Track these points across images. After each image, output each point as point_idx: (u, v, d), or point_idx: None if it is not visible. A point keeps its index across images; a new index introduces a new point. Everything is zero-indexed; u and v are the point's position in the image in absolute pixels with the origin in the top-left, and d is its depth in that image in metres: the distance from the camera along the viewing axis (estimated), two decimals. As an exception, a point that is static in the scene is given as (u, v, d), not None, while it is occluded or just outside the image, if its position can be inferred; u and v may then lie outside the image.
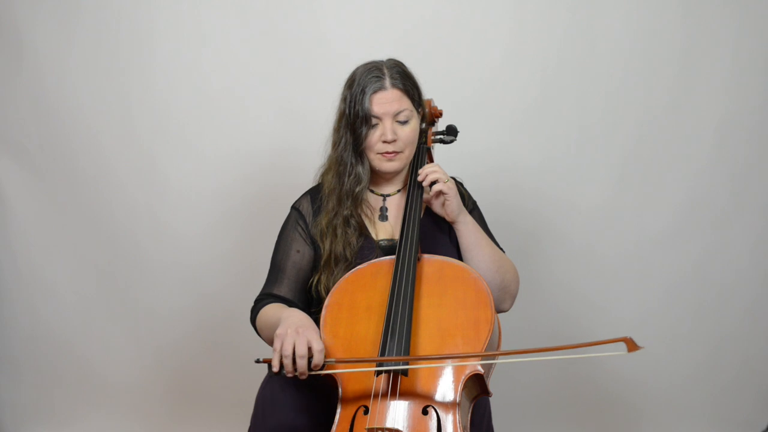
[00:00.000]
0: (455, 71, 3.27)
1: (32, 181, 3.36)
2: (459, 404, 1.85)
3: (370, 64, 2.18)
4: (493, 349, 1.98)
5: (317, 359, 1.86)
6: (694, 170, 3.31)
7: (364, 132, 2.14)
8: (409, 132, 2.16)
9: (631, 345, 1.73)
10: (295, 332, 1.88)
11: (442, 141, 2.32)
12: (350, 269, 2.12)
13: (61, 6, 3.27)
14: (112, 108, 3.32)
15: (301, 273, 2.23)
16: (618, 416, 3.36)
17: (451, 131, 2.31)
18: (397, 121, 2.15)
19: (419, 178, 2.16)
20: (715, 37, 3.25)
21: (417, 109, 2.20)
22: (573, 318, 3.36)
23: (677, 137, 3.30)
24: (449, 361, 1.90)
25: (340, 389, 1.92)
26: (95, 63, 3.30)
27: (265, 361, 1.92)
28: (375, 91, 2.12)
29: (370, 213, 2.25)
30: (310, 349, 1.87)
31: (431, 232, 2.22)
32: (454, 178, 2.30)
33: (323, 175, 2.30)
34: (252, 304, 2.24)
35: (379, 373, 1.89)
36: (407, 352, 1.88)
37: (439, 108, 2.32)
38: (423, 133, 2.27)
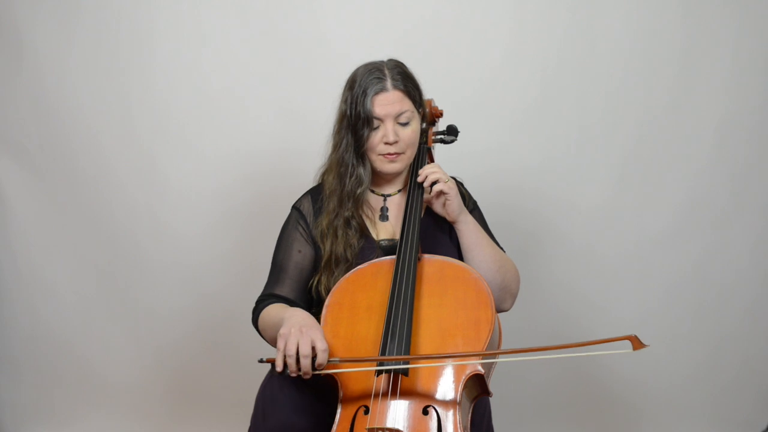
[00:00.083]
0: (455, 71, 3.27)
1: (32, 181, 3.36)
2: (459, 404, 1.85)
3: (371, 65, 2.18)
4: (493, 349, 1.98)
5: (321, 359, 1.86)
6: (694, 170, 3.31)
7: (365, 134, 2.14)
8: (410, 133, 2.16)
9: (636, 343, 1.73)
10: (299, 331, 1.88)
11: (442, 141, 2.32)
12: (351, 270, 2.12)
13: (61, 6, 3.27)
14: (112, 108, 3.32)
15: (303, 273, 2.22)
16: (618, 416, 3.36)
17: (452, 131, 2.31)
18: (399, 123, 2.14)
19: (419, 179, 2.16)
20: (715, 37, 3.25)
21: (418, 110, 2.19)
22: (573, 318, 3.36)
23: (677, 137, 3.30)
24: (450, 360, 1.89)
25: (340, 389, 1.92)
26: (95, 63, 3.30)
27: (268, 361, 1.91)
28: (376, 93, 2.12)
29: (371, 213, 2.25)
30: (313, 348, 1.87)
31: (432, 232, 2.21)
32: (454, 178, 2.29)
33: (323, 174, 2.30)
34: (253, 304, 2.23)
35: (379, 372, 1.88)
36: (407, 352, 1.88)
37: (439, 108, 2.32)
38: (423, 133, 2.26)
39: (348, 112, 2.15)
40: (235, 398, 3.28)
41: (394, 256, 2.08)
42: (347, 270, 2.13)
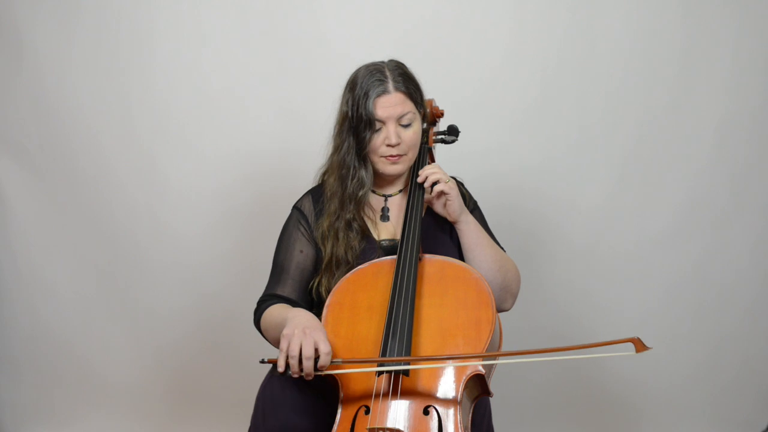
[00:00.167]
0: (455, 71, 3.27)
1: (32, 181, 3.36)
2: (460, 404, 1.85)
3: (372, 66, 2.17)
4: (494, 349, 1.98)
5: (323, 362, 1.85)
6: (694, 170, 3.31)
7: (367, 136, 2.13)
8: (412, 135, 2.15)
9: (640, 345, 1.73)
10: (302, 333, 1.87)
11: (443, 141, 2.32)
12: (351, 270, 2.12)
13: (61, 6, 3.27)
14: (112, 108, 3.32)
15: (305, 273, 2.22)
16: (618, 416, 3.36)
17: (453, 131, 2.31)
18: (401, 124, 2.14)
19: (419, 180, 2.15)
20: (715, 37, 3.25)
21: (419, 111, 2.19)
22: (573, 318, 3.36)
23: (677, 137, 3.30)
24: (451, 361, 1.89)
25: (341, 389, 1.92)
26: (95, 63, 3.30)
27: (270, 362, 1.91)
28: (378, 95, 2.11)
29: (372, 213, 2.25)
30: (316, 350, 1.86)
31: (433, 232, 2.21)
32: (454, 178, 2.29)
33: (323, 175, 2.30)
34: (253, 304, 2.23)
35: (380, 373, 1.88)
36: (408, 352, 1.88)
37: (440, 108, 2.32)
38: (424, 133, 2.26)
39: (349, 114, 2.14)
40: (235, 398, 3.28)
41: (394, 256, 2.08)
42: (348, 272, 2.13)
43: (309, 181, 2.35)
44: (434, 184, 2.13)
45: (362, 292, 2.04)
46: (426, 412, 1.86)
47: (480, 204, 2.35)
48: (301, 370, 1.87)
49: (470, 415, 1.94)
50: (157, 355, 3.42)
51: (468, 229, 2.17)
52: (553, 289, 3.35)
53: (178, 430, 3.38)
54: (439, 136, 2.32)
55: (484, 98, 3.29)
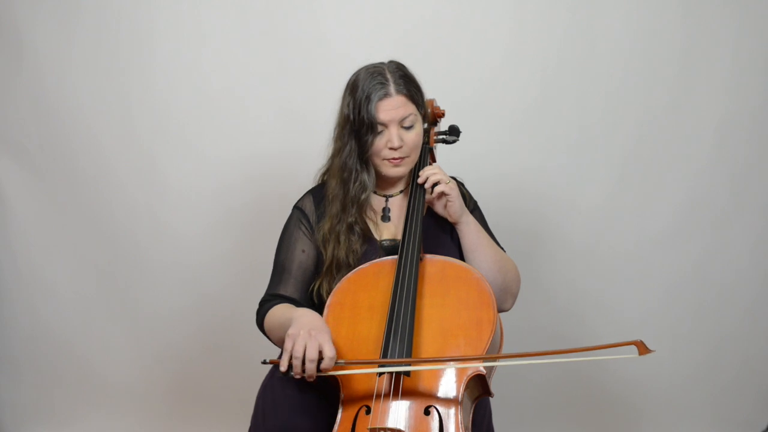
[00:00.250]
0: (455, 71, 3.27)
1: (32, 181, 3.36)
2: (461, 404, 1.85)
3: (372, 69, 2.16)
4: (495, 349, 1.98)
5: (327, 365, 1.84)
6: (694, 170, 3.31)
7: (369, 139, 2.12)
8: (414, 136, 2.15)
9: (642, 348, 1.73)
10: (307, 334, 1.86)
11: (444, 141, 2.32)
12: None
13: (61, 6, 3.27)
14: (112, 108, 3.32)
15: (307, 273, 2.21)
16: (618, 416, 3.36)
17: (454, 131, 2.31)
18: (403, 127, 2.13)
19: (419, 180, 2.15)
20: (715, 37, 3.25)
21: (420, 112, 2.18)
22: (573, 318, 3.36)
23: (677, 137, 3.30)
24: (453, 363, 1.89)
25: (342, 389, 1.91)
26: (95, 63, 3.30)
27: (272, 363, 1.91)
28: (380, 99, 2.10)
29: (373, 214, 2.24)
30: (320, 352, 1.85)
31: (433, 233, 2.21)
32: (454, 178, 2.29)
33: (323, 175, 2.30)
34: (253, 304, 2.22)
35: (381, 373, 1.88)
36: (409, 352, 1.88)
37: (441, 108, 2.32)
38: (425, 133, 2.26)
39: (351, 117, 2.14)
40: (235, 398, 3.28)
41: (395, 256, 2.08)
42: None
43: (309, 181, 2.35)
44: (435, 185, 2.13)
45: (363, 292, 2.04)
46: (427, 412, 1.85)
47: (480, 204, 2.35)
48: (304, 371, 1.86)
49: (471, 416, 1.94)
50: (157, 355, 3.42)
51: (468, 230, 2.17)
52: (553, 289, 3.35)
53: (179, 430, 3.38)
54: (441, 137, 2.32)
55: (484, 98, 3.29)
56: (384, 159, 2.15)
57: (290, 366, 1.86)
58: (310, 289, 2.21)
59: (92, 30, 3.29)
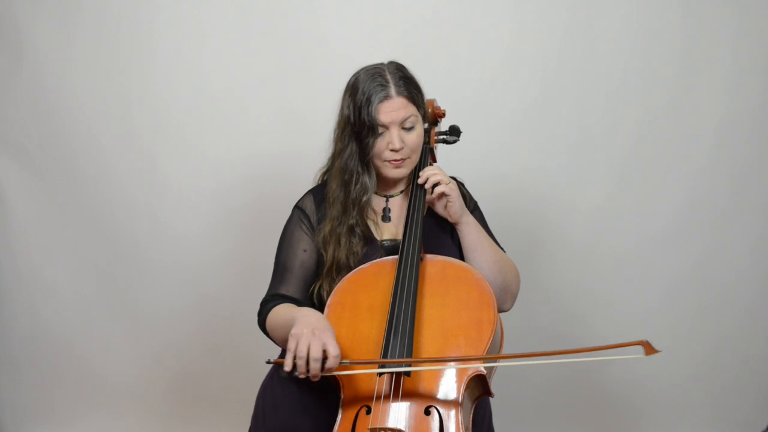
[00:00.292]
0: (455, 71, 3.27)
1: (32, 181, 3.36)
2: (461, 404, 1.85)
3: (372, 70, 2.15)
4: (495, 350, 1.98)
5: (332, 364, 1.83)
6: (694, 170, 3.31)
7: (370, 141, 2.12)
8: (415, 138, 2.14)
9: (649, 348, 1.72)
10: (311, 333, 1.85)
11: (445, 141, 2.31)
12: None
13: (61, 6, 3.27)
14: (112, 108, 3.32)
15: (309, 273, 2.20)
16: (618, 416, 3.36)
17: (454, 131, 2.31)
18: (403, 128, 2.12)
19: (420, 181, 2.15)
20: (715, 37, 3.25)
21: (420, 113, 2.18)
22: (574, 318, 3.36)
23: (677, 137, 3.30)
24: (459, 363, 1.89)
25: (342, 389, 1.91)
26: (95, 63, 3.30)
27: (276, 363, 1.89)
28: (381, 101, 2.09)
29: (373, 215, 2.24)
30: (324, 352, 1.84)
31: (434, 233, 2.21)
32: (454, 178, 2.29)
33: (323, 175, 2.29)
34: (253, 304, 2.21)
35: (381, 373, 1.88)
36: (410, 352, 1.88)
37: (442, 108, 2.31)
38: (426, 133, 2.25)
39: (351, 119, 2.13)
40: (235, 398, 3.28)
41: (396, 256, 2.07)
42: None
43: (309, 181, 2.34)
44: (435, 185, 2.13)
45: (363, 292, 2.03)
46: (427, 412, 1.85)
47: (480, 204, 2.35)
48: (308, 371, 1.85)
49: (471, 416, 1.94)
50: (157, 355, 3.42)
51: (468, 230, 2.17)
52: (553, 289, 3.35)
53: (179, 430, 3.38)
54: (441, 137, 2.32)
55: (484, 98, 3.29)
56: (385, 161, 2.15)
57: (294, 366, 1.85)
58: (310, 291, 2.19)
59: (92, 30, 3.29)
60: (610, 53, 3.27)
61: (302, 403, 2.11)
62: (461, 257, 2.19)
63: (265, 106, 3.32)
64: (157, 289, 3.40)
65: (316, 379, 1.86)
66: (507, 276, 2.19)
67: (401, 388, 1.86)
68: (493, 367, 2.01)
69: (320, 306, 2.14)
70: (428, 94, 2.25)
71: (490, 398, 2.05)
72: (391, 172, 2.16)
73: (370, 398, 1.87)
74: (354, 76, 2.18)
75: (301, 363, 1.83)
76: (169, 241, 3.38)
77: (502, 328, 2.05)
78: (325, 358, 1.84)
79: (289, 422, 2.09)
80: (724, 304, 3.35)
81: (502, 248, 2.26)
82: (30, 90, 3.31)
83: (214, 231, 3.37)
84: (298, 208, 2.26)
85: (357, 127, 2.12)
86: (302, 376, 1.85)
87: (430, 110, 2.27)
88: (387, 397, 1.86)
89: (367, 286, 2.04)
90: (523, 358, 1.88)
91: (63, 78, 3.30)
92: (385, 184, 2.25)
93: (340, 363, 1.85)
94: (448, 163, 2.33)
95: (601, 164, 3.32)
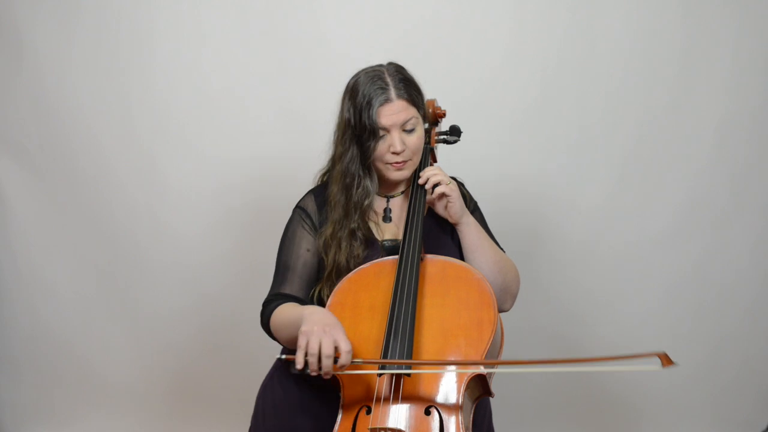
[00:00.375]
0: (455, 71, 3.27)
1: (32, 181, 3.37)
2: (461, 405, 1.85)
3: (372, 73, 2.14)
4: (495, 350, 1.98)
5: (344, 360, 1.81)
6: (694, 170, 3.32)
7: (372, 145, 2.11)
8: (416, 139, 2.13)
9: (666, 360, 1.68)
10: (321, 330, 1.83)
11: (445, 141, 2.31)
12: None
13: (61, 6, 3.27)
14: (112, 108, 3.32)
15: (311, 272, 2.18)
16: (618, 416, 3.36)
17: (455, 131, 2.31)
18: (404, 130, 2.11)
19: (420, 181, 2.15)
20: (715, 37, 3.25)
21: (421, 114, 2.17)
22: (573, 318, 3.36)
23: (677, 137, 3.30)
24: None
25: (342, 389, 1.91)
26: (95, 63, 3.30)
27: (288, 359, 1.86)
28: (381, 104, 2.08)
29: (374, 215, 2.23)
30: (336, 348, 1.82)
31: (434, 233, 2.20)
32: (454, 179, 2.29)
33: (323, 176, 2.29)
34: (254, 304, 2.21)
35: (381, 374, 1.88)
36: (410, 352, 1.88)
37: (442, 108, 2.31)
38: (426, 133, 2.25)
39: (352, 122, 2.11)
40: (235, 398, 3.28)
41: (396, 256, 2.07)
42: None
43: (309, 181, 2.34)
44: (435, 185, 2.12)
45: (364, 292, 2.03)
46: (427, 412, 1.85)
47: (480, 204, 2.35)
48: (320, 368, 1.83)
49: (471, 416, 1.94)
50: (157, 355, 3.43)
51: (469, 231, 2.17)
52: (553, 289, 3.35)
53: (179, 430, 3.38)
54: (441, 137, 2.31)
55: (484, 98, 3.29)
56: (387, 163, 2.14)
57: (306, 363, 1.82)
58: (311, 294, 2.18)
59: (92, 30, 3.29)
60: (610, 53, 3.27)
61: (302, 403, 2.11)
62: (461, 257, 2.18)
63: (265, 106, 3.32)
64: (157, 289, 3.40)
65: (328, 377, 1.84)
66: (507, 276, 2.18)
67: (401, 388, 1.86)
68: (492, 368, 2.01)
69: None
70: (428, 94, 2.25)
71: (490, 398, 2.05)
72: (393, 174, 2.15)
73: (371, 398, 1.87)
74: (353, 78, 2.17)
75: (313, 360, 1.81)
76: (169, 241, 3.38)
77: (502, 329, 2.05)
78: (337, 356, 1.82)
79: (289, 422, 2.10)
80: (724, 304, 3.35)
81: (502, 248, 2.26)
82: (30, 90, 3.31)
83: (214, 231, 3.37)
84: (299, 207, 2.24)
85: (358, 131, 2.11)
86: (314, 374, 1.83)
87: (430, 110, 2.27)
88: (387, 397, 1.86)
89: (368, 286, 2.04)
90: (536, 365, 1.86)
91: (63, 78, 3.30)
92: (386, 185, 2.24)
93: (352, 362, 1.83)
94: (448, 164, 2.33)
95: (601, 164, 3.32)
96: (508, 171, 3.31)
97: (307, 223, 2.20)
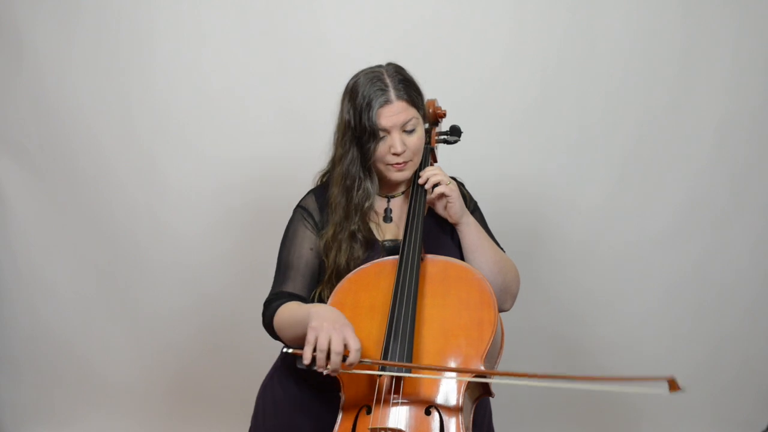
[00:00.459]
0: (455, 71, 3.27)
1: (32, 181, 3.36)
2: (462, 405, 1.85)
3: (371, 74, 2.13)
4: (496, 350, 1.98)
5: (354, 358, 1.80)
6: (694, 170, 3.32)
7: (372, 146, 2.10)
8: (416, 140, 2.12)
9: (674, 385, 1.68)
10: (332, 327, 1.81)
11: (446, 141, 2.31)
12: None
13: (61, 6, 3.27)
14: (112, 108, 3.32)
15: (313, 272, 2.17)
16: (618, 416, 3.36)
17: (455, 131, 2.30)
18: (404, 131, 2.10)
19: (420, 181, 2.14)
20: (715, 37, 3.25)
21: (421, 114, 2.16)
22: (573, 318, 3.36)
23: (677, 137, 3.30)
24: (456, 364, 1.89)
25: (343, 389, 1.91)
26: (95, 63, 3.30)
27: (294, 353, 1.84)
28: (381, 106, 2.07)
29: (375, 215, 2.23)
30: (345, 346, 1.81)
31: (434, 233, 2.20)
32: (454, 179, 2.29)
33: (322, 177, 2.28)
34: (254, 304, 2.20)
35: (382, 374, 1.88)
36: (410, 352, 1.87)
37: (443, 108, 2.31)
38: (427, 134, 2.25)
39: (352, 123, 2.11)
40: (235, 398, 3.28)
41: (397, 257, 2.06)
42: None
43: (309, 182, 2.33)
44: (435, 185, 2.12)
45: (364, 291, 2.02)
46: (428, 412, 1.85)
47: (480, 204, 2.34)
48: (326, 365, 1.81)
49: (472, 416, 1.94)
50: (157, 355, 3.43)
51: (468, 231, 2.16)
52: (553, 289, 3.35)
53: (178, 430, 3.38)
54: (442, 137, 2.31)
55: (484, 98, 3.29)
56: (388, 164, 2.13)
57: (313, 360, 1.81)
58: (311, 295, 2.16)
59: (92, 30, 3.29)
60: (610, 53, 3.27)
61: (302, 403, 2.11)
62: (461, 257, 2.18)
63: (265, 106, 3.32)
64: (157, 289, 3.40)
65: (335, 374, 1.84)
66: (507, 276, 2.18)
67: (402, 388, 1.86)
68: (493, 367, 2.01)
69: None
70: (428, 94, 2.24)
71: (491, 398, 2.05)
72: (394, 175, 2.15)
73: (371, 398, 1.87)
74: (353, 79, 2.16)
75: (321, 356, 1.79)
76: (169, 241, 3.38)
77: (502, 329, 2.05)
78: (345, 354, 1.81)
79: (289, 422, 2.09)
80: (724, 304, 3.35)
81: (502, 248, 2.26)
82: (30, 90, 3.31)
83: (214, 231, 3.37)
84: (301, 207, 2.23)
85: (358, 132, 2.10)
86: (320, 370, 1.82)
87: (431, 110, 2.26)
88: (387, 397, 1.86)
89: (368, 286, 2.03)
90: (540, 379, 1.84)
91: (63, 78, 3.30)
92: (386, 185, 2.24)
93: (361, 361, 1.82)
94: (449, 164, 2.33)
95: (601, 164, 3.32)
96: (508, 171, 3.31)
97: (309, 223, 2.19)
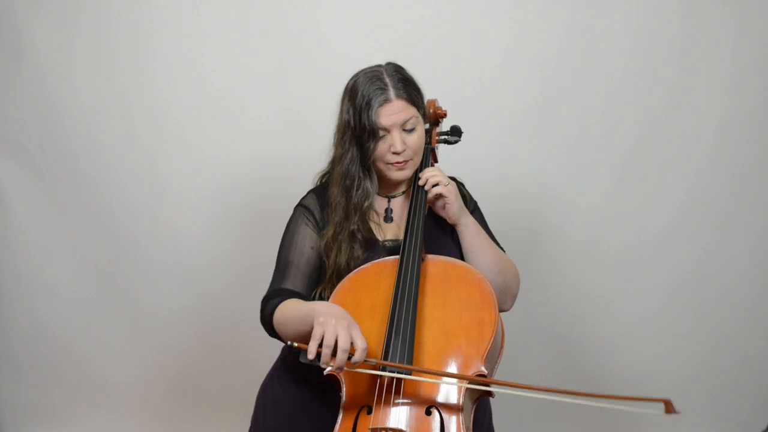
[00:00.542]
0: (455, 71, 3.27)
1: (32, 181, 3.36)
2: (462, 405, 1.85)
3: (371, 73, 2.13)
4: (496, 350, 1.98)
5: (359, 357, 1.78)
6: (694, 170, 3.32)
7: (372, 146, 2.10)
8: (416, 139, 2.12)
9: (669, 407, 1.70)
10: (339, 324, 1.79)
11: (446, 141, 2.31)
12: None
13: (61, 6, 3.27)
14: (112, 108, 3.32)
15: (314, 271, 2.16)
16: (618, 416, 3.35)
17: (456, 132, 2.31)
18: (404, 130, 2.10)
19: (420, 182, 2.14)
20: (715, 37, 3.25)
21: (421, 113, 2.16)
22: (573, 318, 3.36)
23: (677, 137, 3.30)
24: (456, 365, 1.89)
25: (343, 389, 1.90)
26: (95, 63, 3.30)
27: (299, 347, 1.81)
28: (381, 105, 2.07)
29: (375, 216, 2.23)
30: (351, 344, 1.79)
31: (435, 233, 2.20)
32: (454, 179, 2.29)
33: (322, 177, 2.28)
34: (255, 304, 2.17)
35: (382, 375, 1.87)
36: (411, 352, 1.87)
37: (443, 108, 2.31)
38: (427, 133, 2.25)
39: (351, 123, 2.10)
40: (235, 398, 3.28)
41: (397, 257, 2.06)
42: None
43: (309, 181, 2.33)
44: (433, 186, 2.12)
45: (365, 291, 2.02)
46: (428, 412, 1.85)
47: (480, 204, 2.34)
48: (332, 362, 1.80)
49: (472, 416, 1.94)
50: (157, 355, 3.43)
51: (468, 231, 2.16)
52: (553, 289, 3.35)
53: (178, 430, 3.38)
54: (442, 137, 2.31)
55: (484, 98, 3.29)
56: (388, 163, 2.13)
57: (318, 356, 1.78)
58: (311, 296, 2.15)
59: (92, 30, 3.29)
60: (610, 53, 3.27)
61: (302, 403, 2.11)
62: (462, 257, 2.18)
63: (265, 106, 3.32)
64: (157, 289, 3.40)
65: (340, 371, 1.83)
66: (507, 276, 2.18)
67: (402, 388, 1.86)
68: (494, 367, 2.01)
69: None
70: (428, 94, 2.24)
71: (491, 398, 2.05)
72: (394, 174, 2.15)
73: (371, 398, 1.87)
74: (352, 79, 2.16)
75: (327, 352, 1.77)
76: (169, 241, 3.38)
77: (503, 329, 2.05)
78: (351, 351, 1.79)
79: (289, 422, 2.09)
80: (724, 304, 3.35)
81: (502, 248, 2.26)
82: (30, 90, 3.31)
83: (214, 231, 3.37)
84: (302, 205, 2.22)
85: (357, 132, 2.10)
86: (325, 366, 1.80)
87: (431, 110, 2.26)
88: (388, 397, 1.86)
89: (369, 286, 2.03)
90: (539, 392, 1.84)
91: (63, 78, 3.30)
92: (387, 185, 2.23)
93: (366, 361, 1.81)
94: (449, 164, 2.33)
95: (601, 164, 3.32)
96: (508, 171, 3.31)
97: (310, 221, 2.18)
